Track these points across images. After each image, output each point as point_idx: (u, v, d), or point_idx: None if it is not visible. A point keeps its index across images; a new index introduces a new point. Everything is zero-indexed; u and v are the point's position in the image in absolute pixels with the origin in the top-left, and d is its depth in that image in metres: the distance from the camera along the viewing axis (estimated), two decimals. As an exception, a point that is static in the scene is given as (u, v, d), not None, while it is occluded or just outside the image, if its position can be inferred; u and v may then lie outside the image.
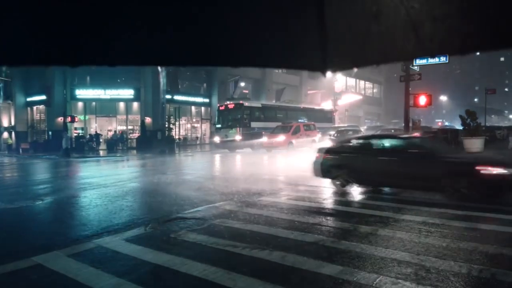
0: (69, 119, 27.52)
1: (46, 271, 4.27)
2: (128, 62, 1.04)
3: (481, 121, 23.52)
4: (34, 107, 33.98)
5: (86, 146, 28.91)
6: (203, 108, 37.37)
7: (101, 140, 30.32)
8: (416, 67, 16.33)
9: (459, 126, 23.44)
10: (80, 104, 32.00)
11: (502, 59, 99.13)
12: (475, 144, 18.68)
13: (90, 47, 0.95)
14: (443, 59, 16.30)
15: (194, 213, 7.04)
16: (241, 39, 1.05)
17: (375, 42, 1.04)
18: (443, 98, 76.42)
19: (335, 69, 1.17)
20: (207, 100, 36.66)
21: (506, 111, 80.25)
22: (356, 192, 9.17)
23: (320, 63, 1.14)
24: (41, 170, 18.01)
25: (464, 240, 5.07)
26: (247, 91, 39.02)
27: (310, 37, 1.09)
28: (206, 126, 37.80)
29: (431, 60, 16.41)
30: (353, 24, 1.05)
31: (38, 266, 4.42)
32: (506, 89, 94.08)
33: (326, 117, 34.21)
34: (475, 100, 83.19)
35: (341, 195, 8.82)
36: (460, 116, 20.41)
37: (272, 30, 1.05)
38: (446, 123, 59.27)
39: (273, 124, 26.48)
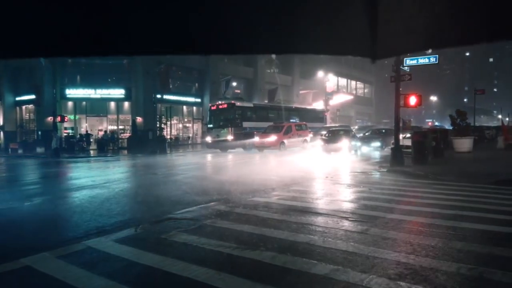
0: (59, 118, 27.22)
1: (34, 272, 4.21)
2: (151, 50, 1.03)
3: (471, 121, 23.83)
4: (23, 107, 33.56)
5: (76, 146, 28.62)
6: (194, 108, 37.26)
7: (91, 140, 30.04)
8: (406, 68, 16.48)
9: (449, 126, 23.73)
10: (70, 103, 31.68)
11: (491, 59, 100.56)
12: (464, 144, 18.97)
13: (107, 36, 0.94)
14: (432, 59, 16.51)
15: (185, 213, 7.01)
16: (290, 26, 1.02)
17: (430, 27, 0.99)
18: (433, 98, 77.22)
19: (384, 55, 1.14)
20: (199, 100, 36.55)
21: (495, 111, 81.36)
22: (345, 188, 9.21)
23: (369, 49, 1.11)
24: (30, 171, 17.79)
25: None
26: (239, 91, 39.01)
27: (359, 22, 1.05)
28: (197, 126, 37.71)
29: (421, 61, 16.59)
30: (407, 7, 1.00)
31: (27, 268, 4.36)
32: (495, 90, 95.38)
33: (317, 117, 34.38)
34: (465, 100, 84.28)
35: (333, 195, 8.87)
36: (450, 116, 20.68)
37: (320, 14, 1.02)
38: (436, 123, 60.02)
39: (265, 124, 26.53)
